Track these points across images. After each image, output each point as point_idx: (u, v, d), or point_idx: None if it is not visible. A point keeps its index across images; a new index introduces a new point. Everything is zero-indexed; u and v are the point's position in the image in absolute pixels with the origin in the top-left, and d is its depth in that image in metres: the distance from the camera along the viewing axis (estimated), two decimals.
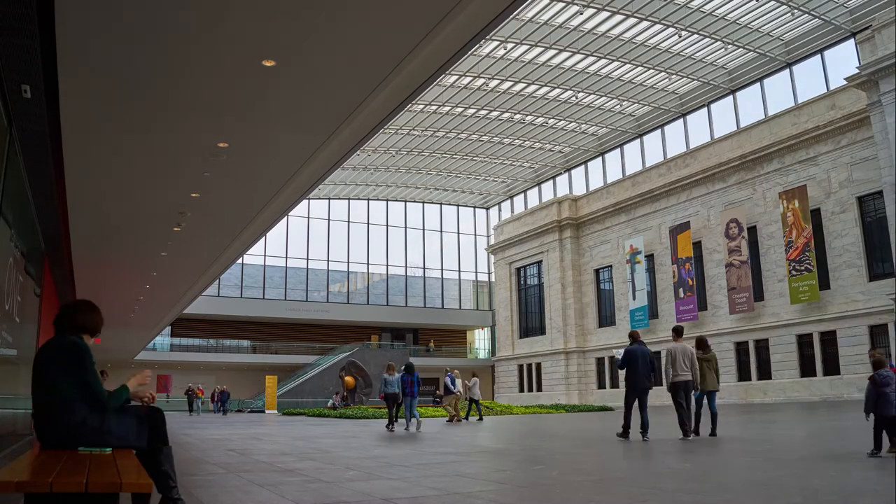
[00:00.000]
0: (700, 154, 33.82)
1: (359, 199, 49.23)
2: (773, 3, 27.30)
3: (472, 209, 52.93)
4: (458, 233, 52.59)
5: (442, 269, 52.10)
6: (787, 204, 28.39)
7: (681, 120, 37.10)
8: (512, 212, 49.45)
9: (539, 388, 41.40)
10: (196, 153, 7.96)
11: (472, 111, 35.79)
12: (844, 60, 29.97)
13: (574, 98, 34.85)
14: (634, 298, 35.90)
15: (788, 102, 30.87)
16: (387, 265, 50.38)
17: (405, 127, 36.91)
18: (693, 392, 9.74)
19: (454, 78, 31.71)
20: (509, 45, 29.43)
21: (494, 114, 36.26)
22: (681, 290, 33.23)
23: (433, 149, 40.68)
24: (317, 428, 16.31)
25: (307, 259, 47.69)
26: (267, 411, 35.18)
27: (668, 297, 34.17)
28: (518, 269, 45.44)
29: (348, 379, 33.72)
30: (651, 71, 32.58)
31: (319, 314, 46.56)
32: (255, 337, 45.68)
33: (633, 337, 9.96)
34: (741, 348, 30.56)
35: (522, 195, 49.10)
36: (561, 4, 26.88)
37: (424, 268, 51.67)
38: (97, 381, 3.37)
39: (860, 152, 26.16)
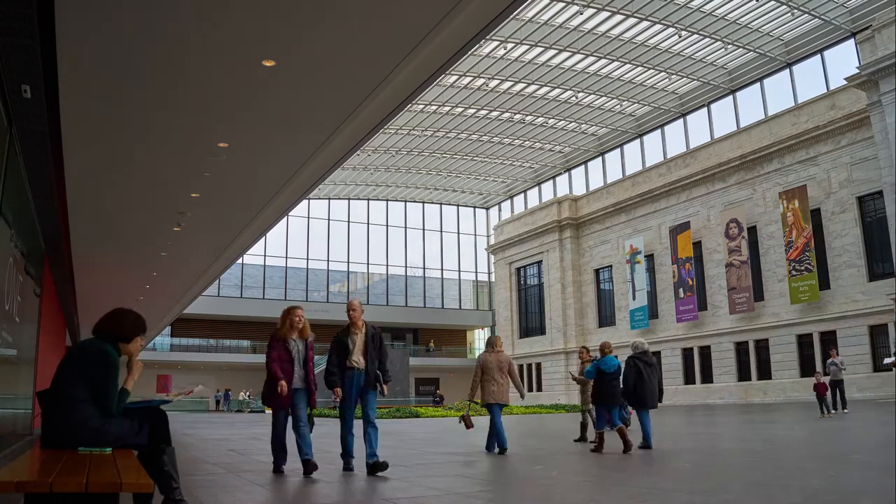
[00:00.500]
0: (700, 154, 33.82)
1: (359, 199, 49.23)
2: (773, 3, 27.29)
3: (472, 209, 52.93)
4: (458, 233, 52.60)
5: (442, 269, 52.10)
6: (787, 204, 28.38)
7: (681, 120, 37.09)
8: (512, 212, 49.45)
9: (539, 388, 41.41)
10: (196, 153, 7.96)
11: (472, 111, 35.79)
12: (844, 60, 29.99)
13: (574, 98, 34.84)
14: (634, 298, 35.90)
15: (788, 102, 30.88)
16: (387, 265, 50.39)
17: (405, 127, 36.91)
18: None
19: (454, 78, 31.70)
20: (509, 45, 29.43)
21: (494, 114, 36.25)
22: (681, 290, 33.23)
23: (433, 149, 40.68)
24: (317, 428, 16.27)
25: (307, 259, 47.71)
26: (267, 411, 35.18)
27: (668, 297, 34.17)
28: (518, 269, 45.44)
29: None
30: (651, 71, 32.57)
31: (319, 314, 46.48)
32: (255, 337, 45.64)
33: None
34: (741, 348, 30.56)
35: (522, 195, 49.09)
36: (561, 4, 26.87)
37: (424, 268, 51.69)
38: (112, 389, 3.38)
39: (860, 152, 26.16)
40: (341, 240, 48.98)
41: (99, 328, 3.58)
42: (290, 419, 6.28)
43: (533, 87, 33.55)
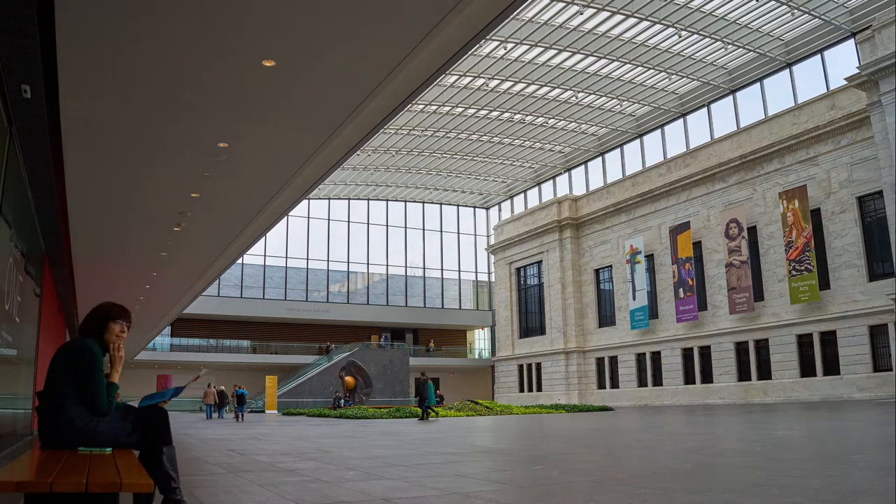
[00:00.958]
0: (700, 154, 33.82)
1: (359, 199, 49.24)
2: (773, 3, 27.31)
3: (472, 209, 52.94)
4: (458, 233, 52.61)
5: (442, 269, 52.11)
6: (787, 204, 28.39)
7: (681, 120, 37.10)
8: (512, 212, 49.46)
9: (539, 389, 41.39)
10: (196, 153, 7.96)
11: (472, 111, 35.80)
12: (844, 60, 30.05)
13: (574, 98, 34.86)
14: (634, 298, 35.91)
15: (788, 102, 30.90)
16: (387, 265, 50.40)
17: (405, 127, 36.92)
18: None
19: (454, 78, 31.72)
20: (509, 45, 29.44)
21: (494, 114, 36.27)
22: (681, 290, 33.23)
23: (433, 149, 40.69)
24: (317, 428, 16.31)
25: (307, 259, 47.70)
26: (267, 411, 35.18)
27: (668, 297, 34.17)
28: (518, 269, 45.44)
29: (348, 379, 33.70)
30: (651, 71, 32.59)
31: (319, 314, 46.59)
32: (255, 337, 45.70)
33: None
34: (741, 348, 30.56)
35: (522, 195, 49.11)
36: (561, 4, 26.89)
37: (424, 268, 51.68)
38: (96, 385, 3.36)
39: (860, 152, 26.16)
40: (341, 240, 49.00)
41: (80, 326, 3.65)
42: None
43: (533, 87, 33.57)
